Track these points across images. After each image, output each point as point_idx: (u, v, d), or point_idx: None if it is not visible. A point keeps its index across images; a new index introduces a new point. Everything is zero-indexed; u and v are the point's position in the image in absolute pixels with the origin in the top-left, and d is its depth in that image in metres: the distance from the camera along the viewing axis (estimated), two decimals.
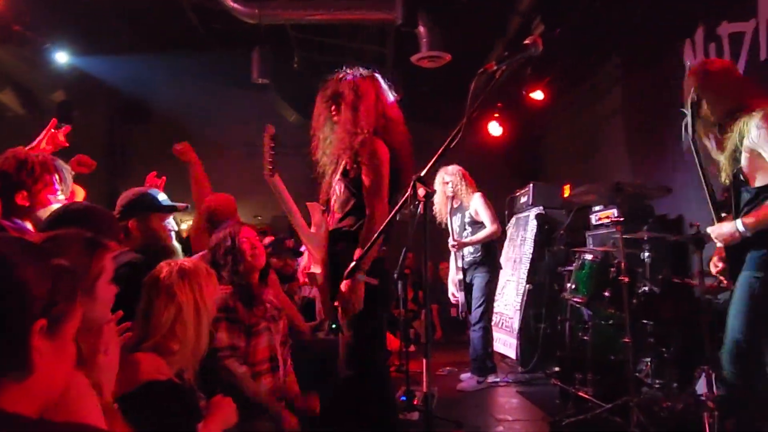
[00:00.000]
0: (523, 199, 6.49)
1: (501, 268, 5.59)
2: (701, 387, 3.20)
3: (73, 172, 2.57)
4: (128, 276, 2.16)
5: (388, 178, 2.72)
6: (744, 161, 2.48)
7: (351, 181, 2.76)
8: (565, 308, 4.89)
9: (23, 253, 1.04)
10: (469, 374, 5.25)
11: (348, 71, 2.88)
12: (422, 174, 1.96)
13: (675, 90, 3.97)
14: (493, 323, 5.58)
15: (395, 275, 4.40)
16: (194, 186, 3.85)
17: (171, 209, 2.73)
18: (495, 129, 8.60)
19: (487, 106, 8.04)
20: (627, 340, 3.51)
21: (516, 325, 5.84)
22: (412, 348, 4.95)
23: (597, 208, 5.36)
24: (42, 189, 2.35)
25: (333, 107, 2.84)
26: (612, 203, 4.90)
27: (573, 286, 4.25)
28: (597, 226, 5.38)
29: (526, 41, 1.96)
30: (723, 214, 2.63)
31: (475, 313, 5.16)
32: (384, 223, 2.31)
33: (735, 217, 2.56)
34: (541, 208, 6.13)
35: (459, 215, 5.33)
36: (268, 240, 4.74)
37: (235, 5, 6.33)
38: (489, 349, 5.28)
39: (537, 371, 5.52)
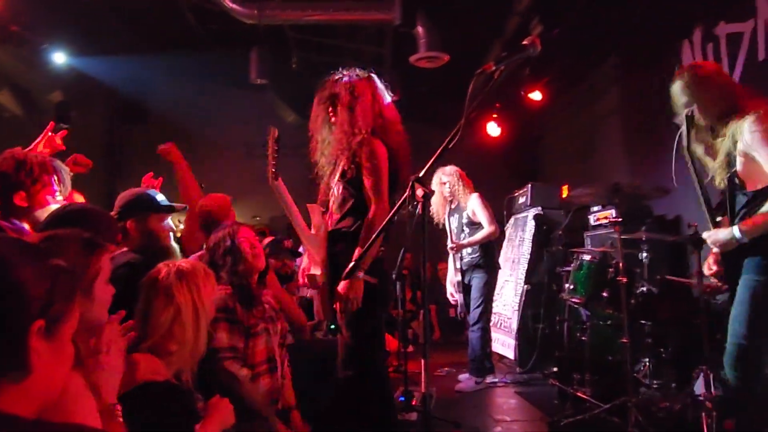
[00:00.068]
0: (522, 200, 6.49)
1: (499, 268, 5.59)
2: (699, 387, 3.20)
3: (71, 173, 2.57)
4: (127, 276, 2.16)
5: (387, 178, 2.72)
6: (739, 165, 2.47)
7: (349, 181, 2.76)
8: (563, 309, 4.90)
9: (21, 254, 1.04)
10: (467, 375, 5.25)
11: (344, 72, 2.88)
12: (421, 174, 1.96)
13: None
14: (491, 324, 5.58)
15: (393, 276, 4.45)
16: (181, 188, 3.82)
17: (169, 210, 2.72)
18: (493, 129, 8.61)
19: (486, 106, 8.05)
20: (625, 340, 3.51)
21: (514, 326, 5.84)
22: (410, 348, 4.96)
23: (595, 208, 5.37)
24: (40, 190, 2.34)
25: (330, 109, 2.84)
26: (610, 204, 4.91)
27: (571, 287, 4.25)
28: (595, 227, 5.39)
29: (525, 42, 1.96)
30: (718, 218, 2.62)
31: (474, 314, 5.17)
32: (384, 223, 2.31)
33: (731, 221, 2.55)
34: (540, 208, 6.13)
35: (456, 216, 5.33)
36: (267, 240, 4.73)
37: (234, 5, 6.33)
38: (487, 349, 5.28)
39: (535, 371, 5.52)
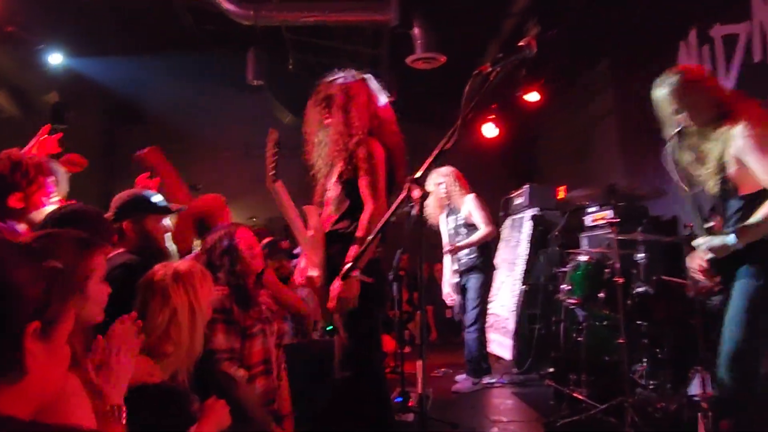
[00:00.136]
0: (518, 201, 6.50)
1: (496, 268, 5.59)
2: (695, 388, 3.21)
3: (68, 174, 2.56)
4: (123, 277, 2.16)
5: (385, 179, 2.72)
6: (731, 170, 2.44)
7: (346, 182, 2.76)
8: (559, 309, 4.90)
9: (16, 255, 1.04)
10: (464, 375, 5.25)
11: (339, 74, 2.89)
12: (417, 175, 1.96)
13: None
14: (488, 324, 5.59)
15: (390, 276, 4.45)
16: (165, 192, 3.77)
17: (166, 211, 2.72)
18: (490, 130, 8.62)
19: (482, 107, 8.05)
20: (621, 341, 3.52)
21: (511, 327, 5.84)
22: (407, 349, 4.96)
23: (591, 209, 5.37)
24: (36, 191, 2.34)
25: (325, 110, 2.85)
26: (606, 205, 4.91)
27: (568, 288, 4.25)
28: (592, 228, 5.39)
29: (521, 43, 1.97)
30: (711, 224, 2.59)
31: (470, 315, 5.17)
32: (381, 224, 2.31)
33: (724, 225, 2.54)
34: (536, 209, 6.14)
35: (453, 217, 5.32)
36: (265, 241, 4.72)
37: (230, 7, 6.33)
38: (484, 350, 5.29)
39: (532, 372, 5.52)
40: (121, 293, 1.98)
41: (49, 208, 2.28)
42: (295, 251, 5.09)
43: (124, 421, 1.56)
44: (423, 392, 2.08)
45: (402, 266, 5.29)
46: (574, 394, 4.02)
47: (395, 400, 4.21)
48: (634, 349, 3.92)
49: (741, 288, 2.44)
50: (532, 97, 7.31)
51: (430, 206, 5.31)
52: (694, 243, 2.60)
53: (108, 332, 1.60)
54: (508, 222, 6.67)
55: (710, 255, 2.50)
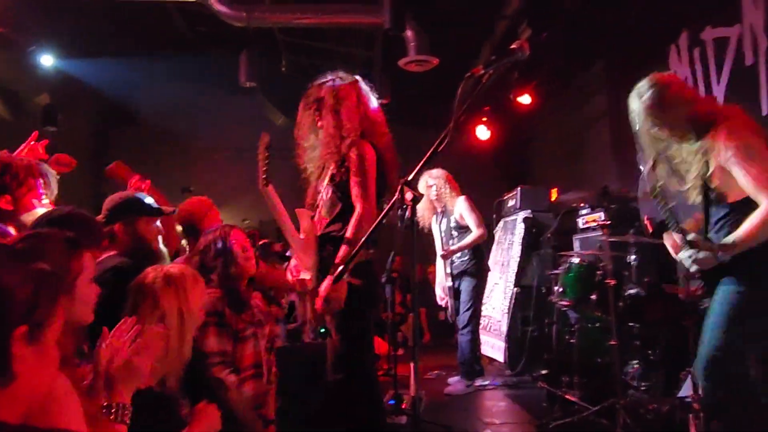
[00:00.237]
0: (511, 203, 6.51)
1: (489, 270, 5.60)
2: (687, 389, 3.22)
3: (57, 176, 2.55)
4: (115, 280, 2.15)
5: (375, 181, 2.72)
6: (716, 179, 2.41)
7: (338, 185, 2.76)
8: (552, 311, 4.91)
9: (2, 257, 1.03)
10: (457, 378, 5.25)
11: (328, 77, 2.89)
12: (410, 178, 1.96)
13: None
14: (481, 326, 5.59)
15: (383, 279, 4.45)
16: None
17: (157, 212, 2.70)
18: (483, 133, 8.63)
19: (475, 110, 8.07)
20: (613, 342, 3.53)
21: (504, 329, 5.85)
22: (400, 352, 4.95)
23: (584, 211, 5.38)
24: (26, 193, 2.32)
25: (315, 114, 2.85)
26: (599, 207, 4.93)
27: (560, 290, 4.27)
28: (584, 230, 5.40)
29: (513, 46, 1.97)
30: (692, 236, 2.53)
31: (463, 317, 5.17)
32: (372, 226, 2.31)
33: (706, 232, 2.53)
34: (529, 211, 6.15)
35: (444, 220, 5.32)
36: (260, 243, 4.73)
37: (223, 8, 6.31)
38: (477, 352, 5.29)
39: (524, 374, 5.53)
40: (112, 296, 1.97)
41: (40, 211, 2.26)
42: (288, 253, 5.08)
43: (128, 420, 1.56)
44: (416, 394, 2.09)
45: (395, 268, 5.29)
46: (567, 396, 4.03)
47: (388, 403, 4.20)
48: (626, 351, 3.94)
49: (722, 294, 2.43)
50: (525, 99, 7.33)
51: (421, 209, 5.30)
52: (678, 257, 2.57)
53: (141, 333, 1.63)
54: (500, 224, 6.68)
55: (695, 267, 2.49)
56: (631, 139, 2.85)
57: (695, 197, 2.50)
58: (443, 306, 5.46)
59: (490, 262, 6.00)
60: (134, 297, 2.00)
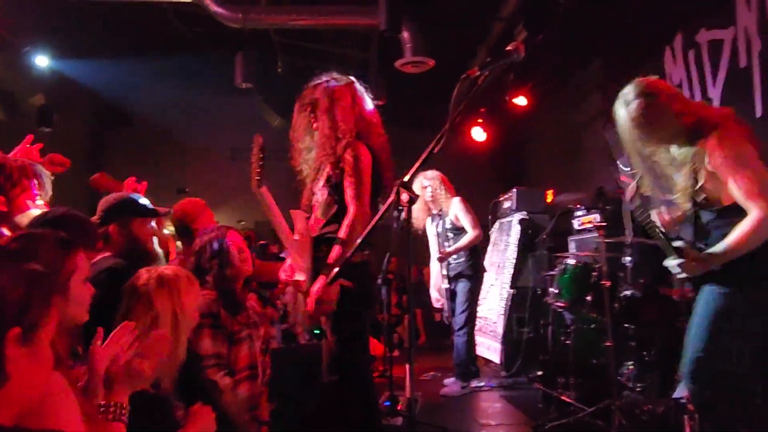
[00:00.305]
0: (507, 204, 6.52)
1: (485, 270, 5.61)
2: (682, 390, 3.22)
3: (51, 176, 2.54)
4: (110, 281, 2.14)
5: (370, 183, 2.72)
6: (705, 185, 2.39)
7: (334, 187, 2.76)
8: (548, 312, 4.92)
9: None
10: (452, 379, 5.25)
11: (323, 78, 2.89)
12: (406, 179, 1.96)
13: None
14: (476, 328, 5.59)
15: (379, 280, 4.44)
16: None
17: (152, 213, 2.70)
18: (478, 134, 8.64)
19: (471, 111, 8.08)
20: (609, 344, 3.53)
21: (500, 330, 5.86)
22: (395, 353, 4.95)
23: (579, 212, 5.40)
24: (20, 194, 2.31)
25: (311, 115, 2.85)
26: (594, 208, 4.95)
27: (556, 291, 4.27)
28: (579, 231, 5.42)
29: (509, 47, 1.98)
30: (680, 243, 2.52)
31: (459, 318, 5.18)
32: (365, 227, 2.31)
33: (696, 238, 2.53)
34: (525, 213, 6.16)
35: (440, 222, 5.32)
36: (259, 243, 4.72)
37: (219, 9, 6.31)
38: (472, 353, 5.29)
39: (520, 375, 5.53)
40: (107, 297, 1.96)
41: (34, 212, 2.26)
42: (282, 254, 5.08)
43: (125, 419, 1.55)
44: (411, 396, 2.08)
45: (391, 270, 5.29)
46: (562, 397, 4.03)
47: (384, 404, 4.20)
48: (622, 352, 3.94)
49: (706, 296, 2.44)
50: (520, 101, 7.34)
51: (416, 210, 5.29)
52: (666, 263, 2.55)
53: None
54: (496, 225, 6.69)
55: (683, 275, 2.49)
56: None
57: (685, 204, 2.49)
58: (439, 308, 5.46)
59: (486, 264, 6.01)
60: (128, 299, 1.99)
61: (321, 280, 2.57)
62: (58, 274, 1.49)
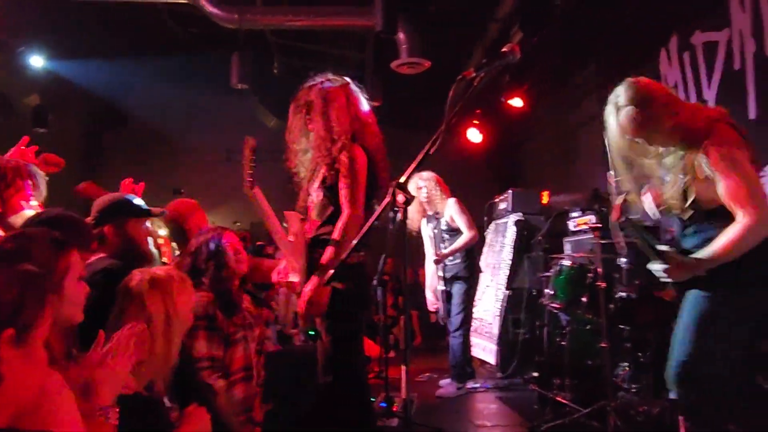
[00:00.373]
0: (502, 206, 6.53)
1: (481, 271, 5.61)
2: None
3: (46, 177, 2.53)
4: (105, 282, 2.14)
5: (365, 184, 2.72)
6: (702, 189, 2.37)
7: (329, 188, 2.75)
8: (543, 314, 4.93)
9: None
10: (448, 380, 5.25)
11: (317, 79, 2.88)
12: (401, 180, 1.96)
13: None
14: (472, 329, 5.59)
15: (375, 281, 4.44)
16: None
17: (147, 214, 2.69)
18: (474, 135, 8.65)
19: (466, 112, 8.08)
20: (604, 345, 3.54)
21: (495, 331, 5.86)
22: (391, 354, 4.94)
23: (575, 214, 5.40)
24: (14, 194, 2.30)
25: (306, 116, 2.84)
26: (590, 209, 4.95)
27: (551, 292, 4.27)
28: (575, 232, 5.42)
29: (504, 49, 1.98)
30: (664, 248, 2.47)
31: (455, 320, 5.18)
32: (360, 229, 2.31)
33: (681, 240, 2.53)
34: (520, 214, 6.16)
35: (435, 223, 5.31)
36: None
37: (215, 10, 6.30)
38: (468, 355, 5.29)
39: (516, 377, 5.54)
40: (102, 298, 1.96)
41: (28, 212, 2.25)
42: (277, 256, 5.07)
43: (115, 422, 1.54)
44: (407, 397, 2.08)
45: (386, 271, 5.28)
46: (558, 398, 4.04)
47: (379, 405, 4.19)
48: (617, 353, 3.95)
49: (691, 300, 2.44)
50: (516, 102, 7.35)
51: (411, 211, 5.28)
52: (650, 267, 2.54)
53: (115, 334, 1.61)
54: (492, 227, 6.69)
55: (668, 280, 2.49)
56: None
57: (677, 209, 2.49)
58: (433, 310, 5.46)
59: (482, 265, 6.01)
60: (121, 300, 1.98)
61: (313, 282, 2.56)
62: (52, 274, 1.48)
